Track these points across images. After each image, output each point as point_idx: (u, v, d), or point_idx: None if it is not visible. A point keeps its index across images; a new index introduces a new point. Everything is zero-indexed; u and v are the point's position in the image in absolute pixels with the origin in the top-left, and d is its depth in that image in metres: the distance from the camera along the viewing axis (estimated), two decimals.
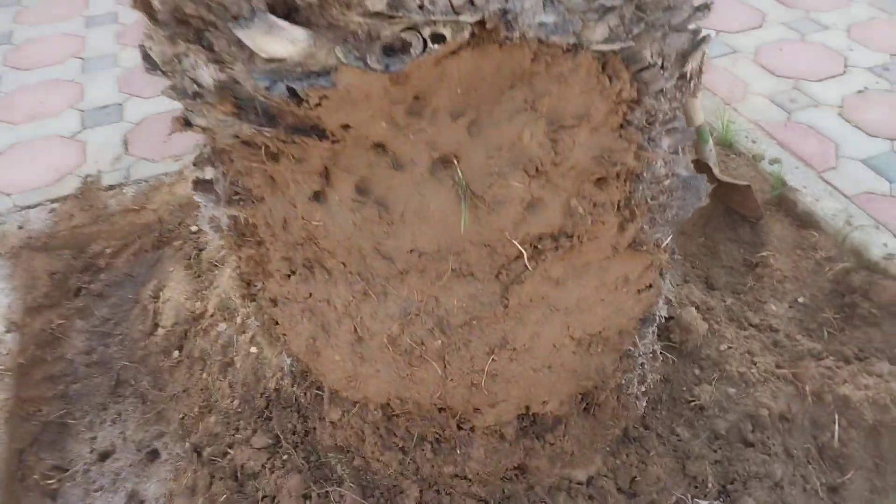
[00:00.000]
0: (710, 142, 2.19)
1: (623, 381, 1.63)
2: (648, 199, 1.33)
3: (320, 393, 1.67)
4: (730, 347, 1.93)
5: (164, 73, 1.20)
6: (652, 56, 1.11)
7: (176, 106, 1.23)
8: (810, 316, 2.11)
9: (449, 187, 1.17)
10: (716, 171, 2.23)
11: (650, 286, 1.44)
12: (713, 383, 1.85)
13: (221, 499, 1.65)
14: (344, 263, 1.33)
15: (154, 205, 2.51)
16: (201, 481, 1.69)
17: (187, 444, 1.80)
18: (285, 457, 1.71)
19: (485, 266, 1.25)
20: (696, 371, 1.91)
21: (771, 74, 3.00)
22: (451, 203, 1.18)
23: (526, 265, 1.25)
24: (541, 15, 0.99)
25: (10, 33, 3.60)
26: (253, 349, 1.96)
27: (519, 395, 1.43)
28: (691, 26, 1.16)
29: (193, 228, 2.44)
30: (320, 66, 1.01)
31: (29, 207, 2.49)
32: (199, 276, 2.25)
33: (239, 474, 1.71)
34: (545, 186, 1.16)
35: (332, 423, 1.64)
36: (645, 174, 1.29)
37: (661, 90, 1.16)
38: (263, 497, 1.65)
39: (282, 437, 1.74)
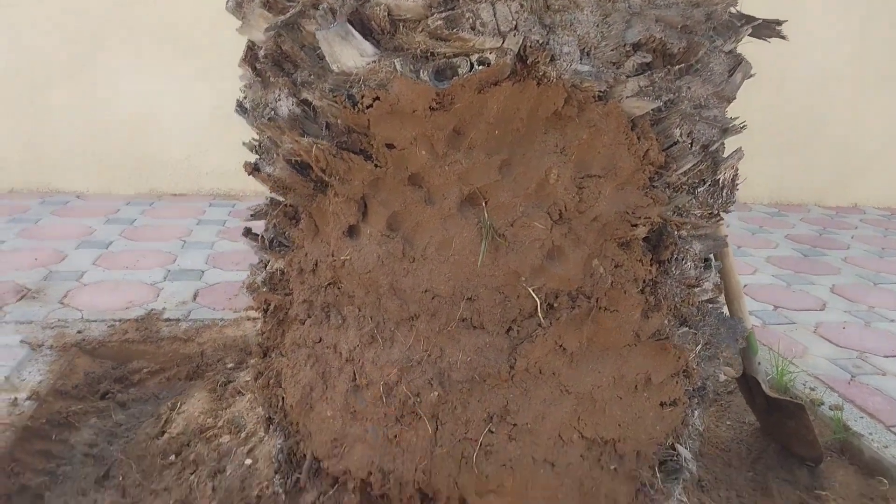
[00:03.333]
0: (759, 354, 2.12)
1: None
2: (676, 298, 1.31)
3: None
4: None
5: (252, 115, 1.40)
6: (681, 135, 1.21)
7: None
8: None
9: (473, 224, 1.21)
10: (765, 387, 2.12)
11: (675, 402, 1.33)
12: None
13: None
14: (359, 308, 1.33)
15: (201, 339, 2.59)
16: None
17: None
18: None
19: (496, 316, 1.23)
20: None
21: (833, 344, 2.95)
22: (472, 241, 1.21)
23: (539, 322, 1.22)
24: (577, 64, 1.14)
25: (134, 219, 4.13)
26: (248, 461, 1.84)
27: (513, 489, 1.26)
28: (722, 125, 1.26)
29: (230, 365, 2.46)
30: (379, 82, 1.17)
31: (93, 321, 2.63)
32: (220, 399, 2.22)
33: None
34: (567, 235, 1.19)
35: None
36: (673, 269, 1.30)
37: (692, 170, 1.23)
38: None
39: None
